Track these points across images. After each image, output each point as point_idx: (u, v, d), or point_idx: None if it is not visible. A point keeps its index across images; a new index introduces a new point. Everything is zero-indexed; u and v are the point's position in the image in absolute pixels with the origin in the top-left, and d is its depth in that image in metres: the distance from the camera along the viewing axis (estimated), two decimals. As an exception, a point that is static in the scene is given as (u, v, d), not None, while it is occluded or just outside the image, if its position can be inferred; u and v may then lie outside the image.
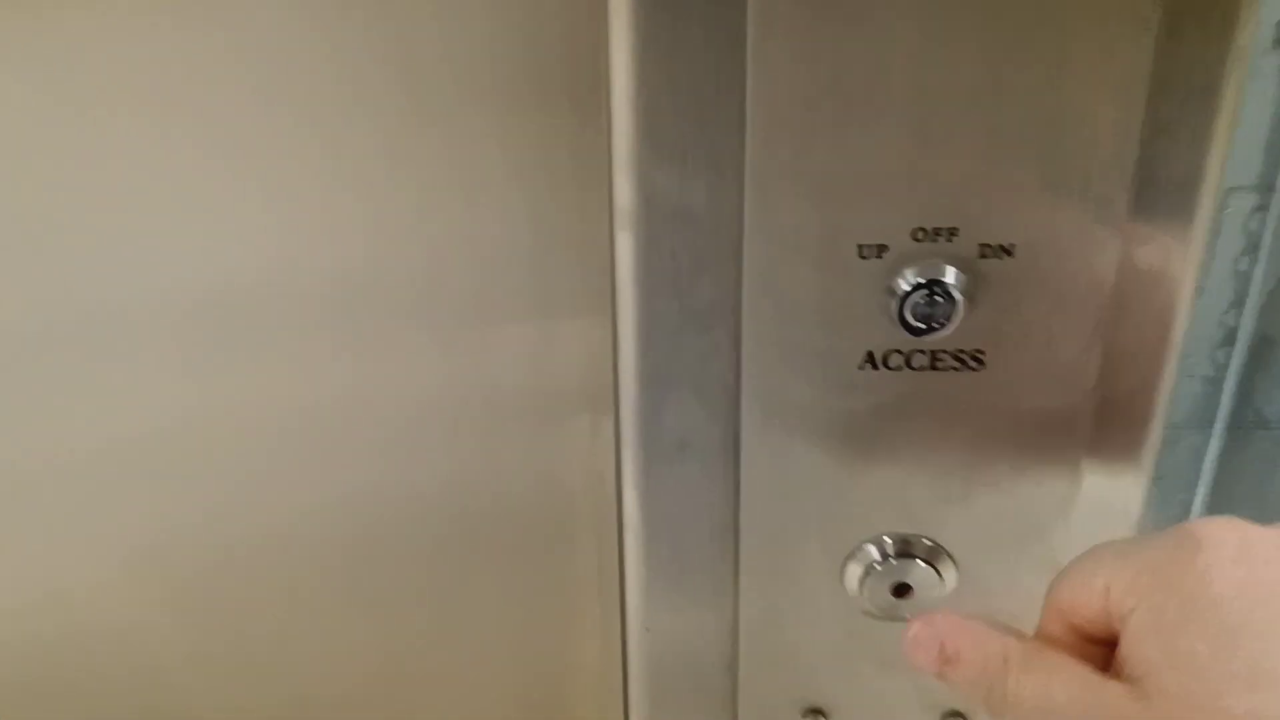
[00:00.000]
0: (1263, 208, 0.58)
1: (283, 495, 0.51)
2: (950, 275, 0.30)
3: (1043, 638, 0.28)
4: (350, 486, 0.50)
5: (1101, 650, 0.27)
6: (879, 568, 0.33)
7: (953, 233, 0.29)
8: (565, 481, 0.49)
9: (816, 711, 0.35)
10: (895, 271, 0.30)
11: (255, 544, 0.53)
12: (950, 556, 0.33)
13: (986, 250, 0.30)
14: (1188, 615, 0.25)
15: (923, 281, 0.30)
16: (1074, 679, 0.26)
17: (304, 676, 0.59)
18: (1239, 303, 0.61)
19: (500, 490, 0.50)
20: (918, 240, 0.30)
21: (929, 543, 0.33)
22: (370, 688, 0.59)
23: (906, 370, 0.31)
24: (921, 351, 0.31)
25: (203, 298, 0.45)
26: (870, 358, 0.31)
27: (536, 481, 0.49)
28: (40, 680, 0.58)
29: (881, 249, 0.30)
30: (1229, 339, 0.62)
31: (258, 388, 0.47)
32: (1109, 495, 0.32)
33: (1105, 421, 0.31)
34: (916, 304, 0.30)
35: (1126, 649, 0.26)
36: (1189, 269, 0.30)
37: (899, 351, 0.31)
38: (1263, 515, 0.26)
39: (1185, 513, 0.66)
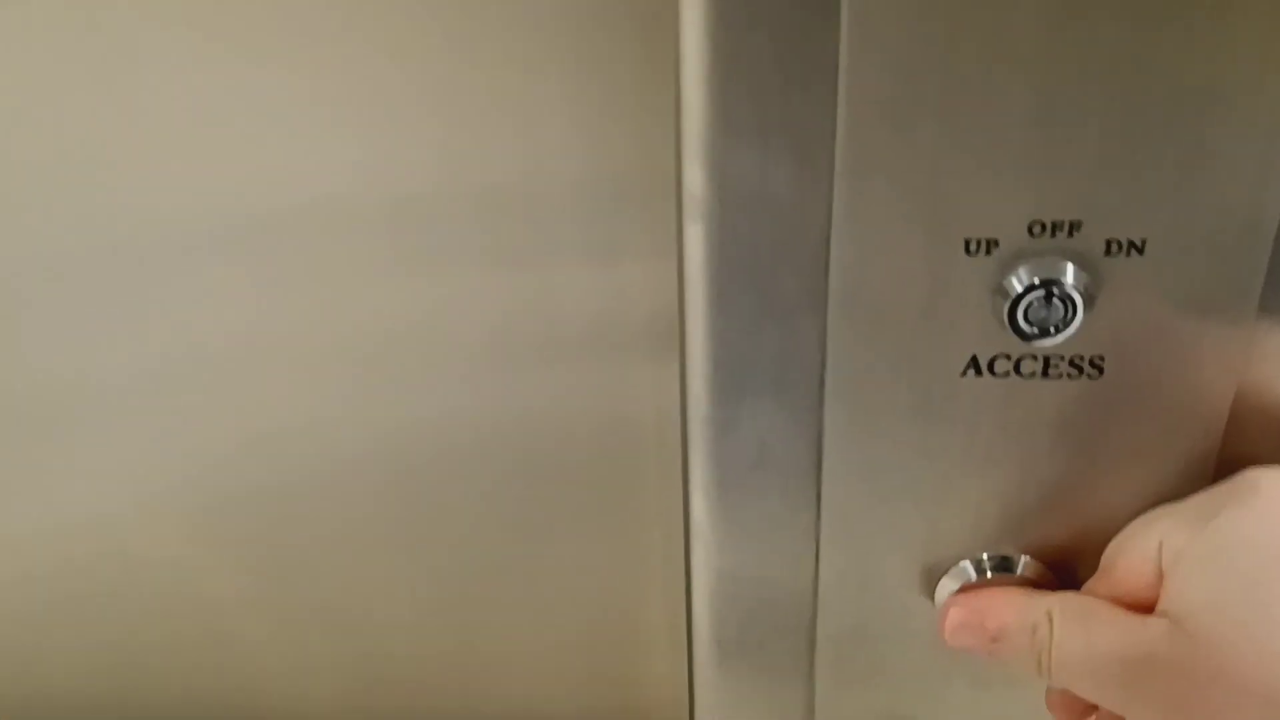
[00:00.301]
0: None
1: (341, 425, 0.50)
2: (1070, 274, 0.26)
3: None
4: (409, 419, 0.50)
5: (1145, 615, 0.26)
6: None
7: (1075, 226, 0.26)
8: (632, 419, 0.48)
9: (901, 726, 0.33)
10: (1007, 269, 0.26)
11: (312, 473, 0.52)
12: (1057, 580, 0.30)
13: (1113, 246, 0.26)
14: (1235, 555, 0.25)
15: (1038, 282, 0.26)
16: (1115, 621, 0.26)
17: (359, 608, 0.59)
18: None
19: (566, 427, 0.49)
20: (1034, 235, 0.26)
21: (1032, 563, 0.30)
22: (428, 622, 0.59)
23: (1014, 377, 0.28)
24: (1033, 357, 0.27)
25: (266, 224, 0.44)
26: (974, 363, 0.28)
27: (603, 419, 0.48)
28: (84, 603, 0.59)
29: (992, 244, 0.26)
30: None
31: (318, 317, 0.46)
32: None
33: (1240, 444, 0.27)
34: (1030, 306, 0.26)
35: (1171, 590, 0.25)
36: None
37: (1006, 356, 0.27)
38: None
39: None
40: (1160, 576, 0.26)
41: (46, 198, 0.44)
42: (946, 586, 0.30)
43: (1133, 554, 0.27)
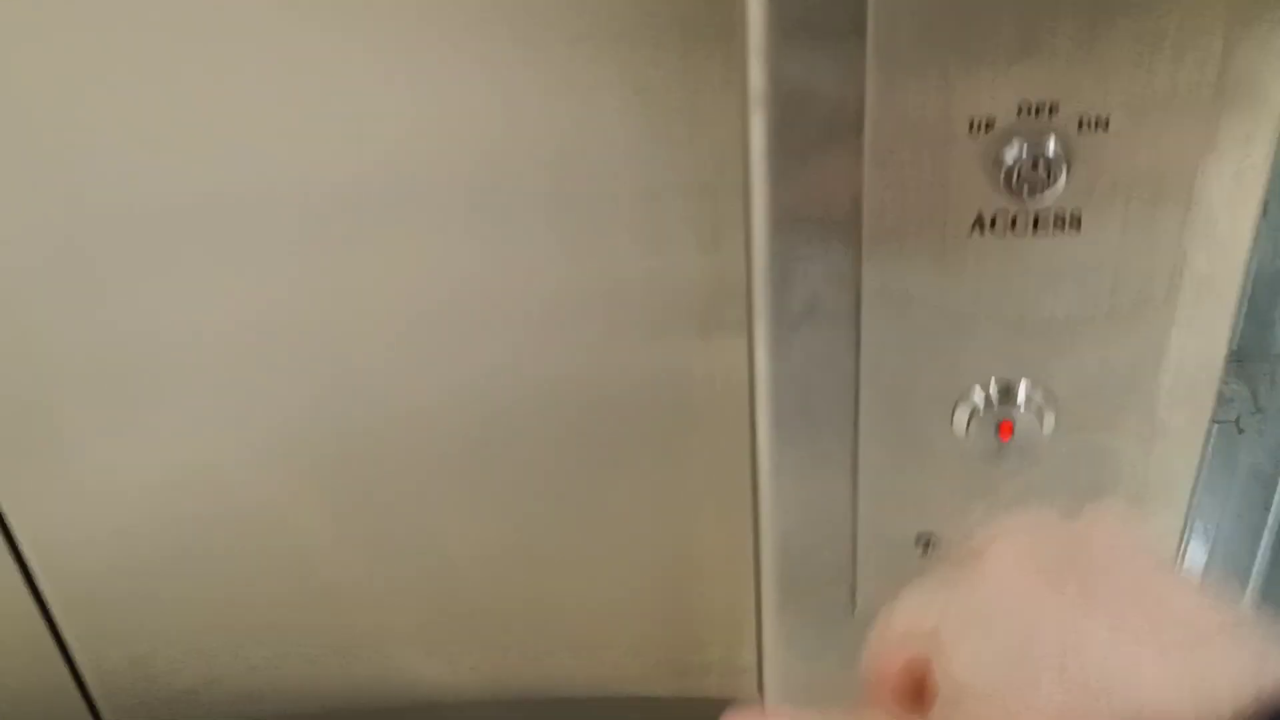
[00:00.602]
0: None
1: (419, 378, 0.55)
2: (1051, 146, 0.33)
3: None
4: (480, 372, 0.54)
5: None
6: (983, 412, 0.37)
7: (1054, 107, 0.33)
8: (685, 371, 0.54)
9: (928, 539, 0.40)
10: (1002, 143, 0.34)
11: (394, 423, 0.56)
12: (1051, 402, 0.37)
13: (1085, 123, 0.33)
14: (964, 619, 0.25)
15: (1026, 152, 0.33)
16: None
17: (440, 552, 0.62)
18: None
19: (624, 377, 0.54)
20: (1022, 115, 0.33)
21: (1030, 388, 0.37)
22: (503, 562, 0.62)
23: (1011, 233, 0.35)
24: (1025, 215, 0.35)
25: (341, 189, 0.48)
26: (979, 221, 0.35)
27: (658, 371, 0.54)
28: (190, 557, 0.62)
29: (989, 123, 0.34)
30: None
31: (404, 278, 0.51)
32: (1194, 351, 0.36)
33: (1194, 282, 0.35)
34: (1020, 172, 0.34)
35: (934, 667, 0.25)
36: (1270, 144, 0.33)
37: (1004, 216, 0.35)
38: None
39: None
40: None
41: (155, 167, 0.48)
42: (961, 414, 0.37)
43: (907, 626, 0.27)
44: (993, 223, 0.35)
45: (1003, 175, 0.34)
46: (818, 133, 0.35)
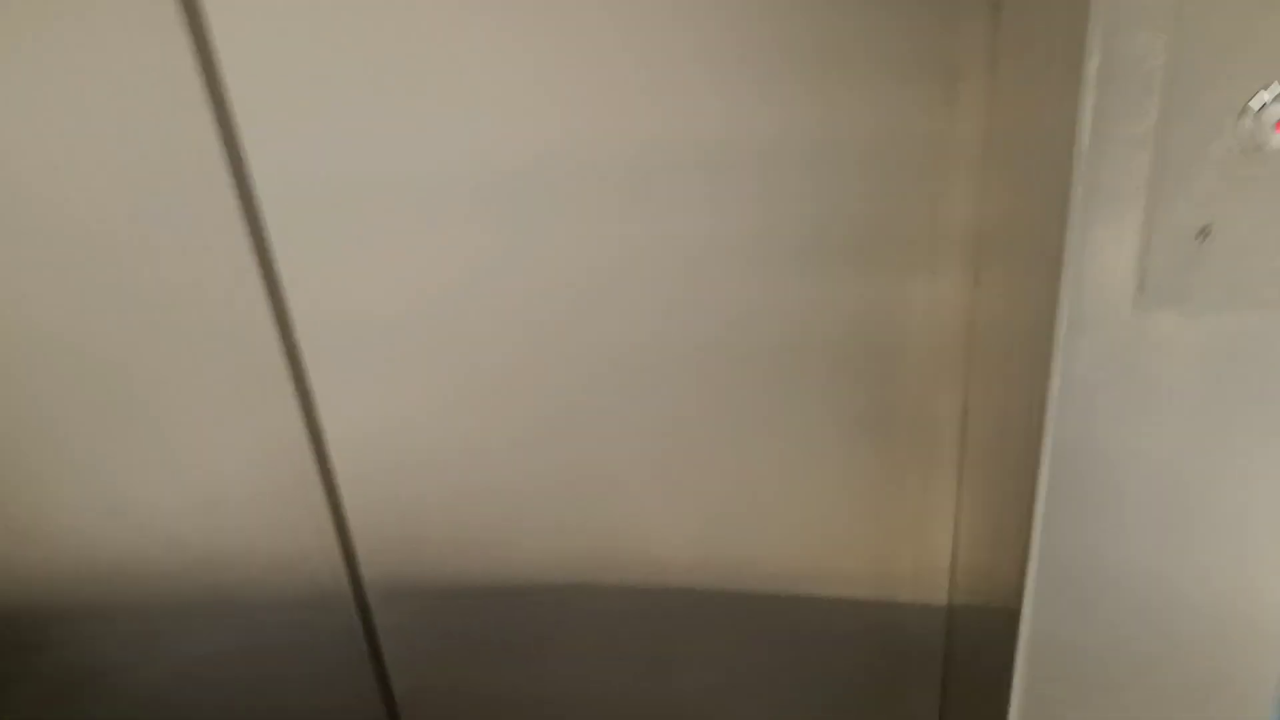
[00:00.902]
0: None
1: (685, 317, 0.62)
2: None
3: None
4: (719, 310, 0.62)
5: None
6: (1262, 112, 0.45)
7: None
8: (898, 310, 0.60)
9: (1205, 229, 0.48)
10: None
11: (611, 361, 0.65)
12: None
13: None
14: None
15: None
16: None
17: (645, 503, 0.71)
18: None
19: (839, 313, 0.61)
20: None
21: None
22: (732, 473, 0.69)
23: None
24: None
25: (625, 157, 0.57)
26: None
27: (872, 308, 0.60)
28: (403, 503, 0.71)
29: None
30: None
31: (669, 232, 0.60)
32: None
33: None
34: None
35: None
36: None
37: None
38: None
39: None
40: None
41: (433, 150, 0.57)
42: (1244, 112, 0.46)
43: None
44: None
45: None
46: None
